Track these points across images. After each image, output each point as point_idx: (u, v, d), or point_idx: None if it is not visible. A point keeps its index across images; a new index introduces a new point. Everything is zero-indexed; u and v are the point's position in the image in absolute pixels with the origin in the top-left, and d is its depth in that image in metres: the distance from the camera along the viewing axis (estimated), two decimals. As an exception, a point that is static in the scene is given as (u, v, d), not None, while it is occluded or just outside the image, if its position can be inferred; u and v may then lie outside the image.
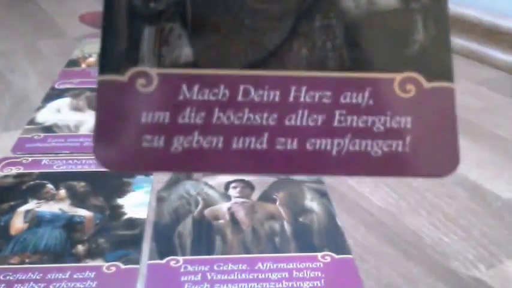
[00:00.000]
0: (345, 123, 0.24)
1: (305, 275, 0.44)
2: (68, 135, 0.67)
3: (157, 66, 0.24)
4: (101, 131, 0.24)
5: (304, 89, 0.24)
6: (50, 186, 0.56)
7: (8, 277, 0.44)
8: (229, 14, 0.24)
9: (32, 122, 0.70)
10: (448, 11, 0.24)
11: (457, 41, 1.00)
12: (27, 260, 0.46)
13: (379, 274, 0.46)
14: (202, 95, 0.24)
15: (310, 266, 0.45)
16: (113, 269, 0.45)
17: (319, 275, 0.44)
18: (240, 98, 0.24)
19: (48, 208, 0.53)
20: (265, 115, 0.24)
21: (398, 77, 0.24)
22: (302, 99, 0.24)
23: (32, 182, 0.57)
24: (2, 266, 0.45)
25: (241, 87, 0.24)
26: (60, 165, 0.60)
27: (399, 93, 0.24)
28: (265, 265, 0.45)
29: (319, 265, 0.46)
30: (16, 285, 0.43)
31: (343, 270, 0.45)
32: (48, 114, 0.72)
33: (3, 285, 0.43)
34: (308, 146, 0.24)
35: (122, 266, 0.45)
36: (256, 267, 0.45)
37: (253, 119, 0.24)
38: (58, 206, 0.53)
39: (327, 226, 0.51)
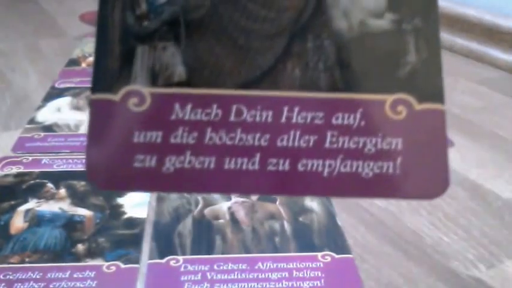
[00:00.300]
0: (336, 144, 0.24)
1: (305, 274, 0.44)
2: (68, 135, 0.67)
3: (150, 85, 0.24)
4: (93, 151, 0.24)
5: (296, 109, 0.24)
6: (50, 185, 0.56)
7: (8, 276, 0.44)
8: (222, 33, 0.24)
9: (32, 121, 0.70)
10: (440, 33, 0.24)
11: (457, 41, 1.00)
12: (27, 260, 0.46)
13: (379, 274, 0.46)
14: (195, 115, 0.24)
15: (310, 265, 0.45)
16: (113, 268, 0.45)
17: (319, 274, 0.44)
18: (232, 118, 0.24)
19: (48, 207, 0.53)
20: (257, 135, 0.24)
21: (389, 98, 0.24)
22: (294, 120, 0.24)
23: (32, 181, 0.57)
24: (2, 265, 0.45)
25: (234, 108, 0.24)
26: (60, 165, 0.60)
27: (390, 115, 0.24)
28: (265, 265, 0.45)
29: (319, 265, 0.45)
30: (16, 284, 0.43)
31: (343, 270, 0.45)
32: (48, 114, 0.72)
33: (3, 284, 0.43)
34: (300, 167, 0.24)
35: (122, 266, 0.45)
36: (256, 267, 0.45)
37: (245, 139, 0.24)
38: (58, 205, 0.53)
39: (327, 226, 0.51)
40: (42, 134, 0.67)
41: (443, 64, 0.24)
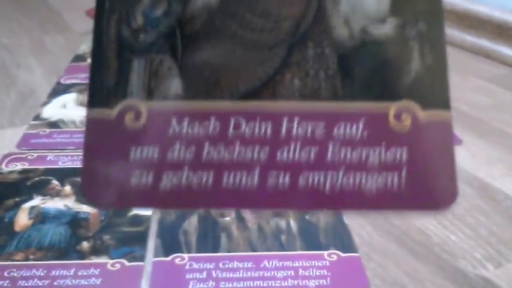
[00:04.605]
0: (338, 156, 0.23)
1: (311, 273, 0.44)
2: (74, 131, 0.67)
3: (146, 99, 0.24)
4: (89, 170, 0.23)
5: (296, 121, 0.24)
6: (55, 182, 0.56)
7: (12, 273, 0.44)
8: (220, 45, 0.24)
9: (37, 117, 0.70)
10: (445, 38, 0.24)
11: (467, 38, 0.99)
12: (31, 257, 0.46)
13: (386, 273, 0.45)
14: (192, 129, 0.23)
15: (316, 264, 0.45)
16: (118, 266, 0.45)
17: (325, 273, 0.44)
18: (231, 131, 0.24)
19: (53, 204, 0.52)
20: (256, 149, 0.23)
21: (393, 106, 0.24)
22: (294, 131, 0.24)
23: (37, 178, 0.57)
24: (6, 262, 0.45)
25: (232, 121, 0.24)
26: (65, 161, 0.60)
27: (394, 125, 0.24)
28: (271, 263, 0.45)
29: (325, 263, 0.45)
30: (20, 281, 0.43)
31: (349, 268, 0.45)
32: (53, 110, 0.72)
33: (7, 281, 0.43)
34: (301, 182, 0.23)
35: (127, 263, 0.45)
36: (262, 265, 0.45)
37: (244, 153, 0.23)
38: (63, 202, 0.53)
39: (334, 224, 0.50)
40: (48, 130, 0.67)
41: (449, 69, 0.24)
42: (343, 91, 0.23)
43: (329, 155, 0.23)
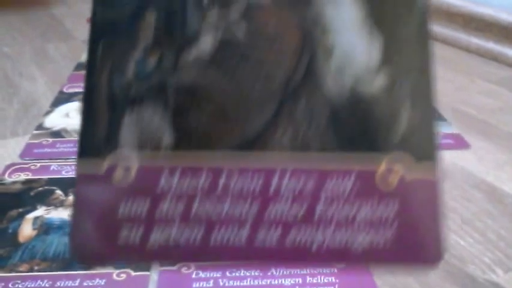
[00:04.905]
0: (327, 214, 0.24)
1: (319, 280, 0.44)
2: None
3: (137, 150, 0.24)
4: (78, 229, 0.23)
5: (287, 175, 0.24)
6: (58, 192, 0.56)
7: (17, 285, 0.43)
8: (211, 97, 0.24)
9: (40, 127, 0.70)
10: (434, 92, 0.24)
11: (473, 40, 0.99)
12: (36, 268, 0.45)
13: (395, 279, 0.45)
14: (183, 183, 0.23)
15: (324, 271, 0.45)
16: (123, 276, 0.44)
17: (333, 280, 0.44)
18: (220, 187, 0.24)
19: (57, 214, 0.52)
20: (247, 204, 0.23)
21: (382, 161, 0.24)
22: (285, 186, 0.24)
23: (40, 188, 0.57)
24: (11, 273, 0.45)
25: (224, 174, 0.24)
26: (69, 171, 0.60)
27: (382, 183, 0.24)
28: (278, 271, 0.45)
29: (333, 270, 0.45)
30: (25, 293, 0.43)
31: (357, 275, 0.45)
32: (56, 119, 0.72)
33: (12, 293, 0.43)
34: (288, 240, 0.23)
35: (133, 273, 0.44)
36: (269, 273, 0.44)
37: (234, 208, 0.23)
38: (67, 212, 0.52)
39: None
40: (51, 139, 0.67)
41: (437, 123, 0.24)
42: (334, 145, 0.24)
43: (318, 211, 0.23)
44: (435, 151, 0.24)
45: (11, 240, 0.49)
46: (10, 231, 0.50)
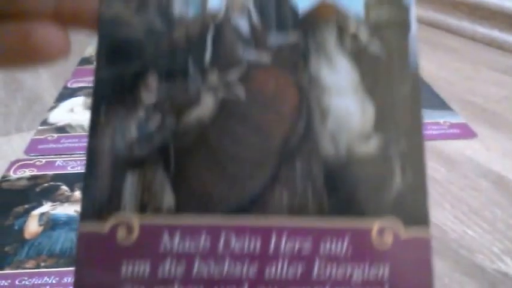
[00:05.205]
0: (324, 274, 0.24)
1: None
2: (82, 135, 0.67)
3: (139, 212, 0.24)
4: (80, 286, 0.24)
5: (284, 237, 0.24)
6: (64, 188, 0.56)
7: (23, 282, 0.43)
8: (212, 160, 0.24)
9: (44, 122, 0.70)
10: (425, 157, 0.25)
11: (478, 29, 0.99)
12: (42, 264, 0.45)
13: None
14: (183, 246, 0.24)
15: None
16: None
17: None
18: (221, 248, 0.24)
19: (63, 210, 0.52)
20: (245, 266, 0.24)
21: (376, 223, 0.24)
22: (283, 247, 0.24)
23: (46, 184, 0.56)
24: (17, 270, 0.45)
25: (223, 237, 0.24)
26: (74, 166, 0.60)
27: (377, 241, 0.24)
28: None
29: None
30: (32, 290, 0.43)
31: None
32: (61, 114, 0.72)
33: (19, 290, 0.43)
34: None
35: (139, 268, 0.44)
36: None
37: (234, 269, 0.24)
38: (73, 208, 0.52)
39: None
40: (56, 135, 0.67)
41: (428, 188, 0.25)
42: (330, 207, 0.24)
43: (315, 271, 0.24)
44: (426, 215, 0.24)
45: (17, 236, 0.48)
46: (16, 227, 0.50)
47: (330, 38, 0.26)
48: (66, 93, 0.78)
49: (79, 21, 0.26)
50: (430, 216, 0.24)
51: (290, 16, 0.26)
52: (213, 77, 0.25)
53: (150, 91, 0.25)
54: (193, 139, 0.25)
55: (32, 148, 0.64)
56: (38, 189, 0.56)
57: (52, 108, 0.74)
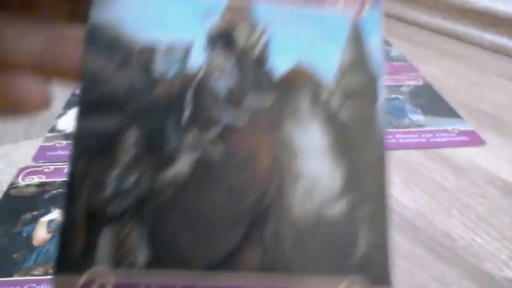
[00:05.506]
0: None
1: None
2: (90, 142, 0.67)
3: (114, 267, 0.24)
4: None
5: None
6: (72, 194, 0.56)
7: (32, 289, 0.43)
8: (185, 219, 0.25)
9: (53, 129, 0.70)
10: (390, 219, 0.26)
11: (486, 36, 0.99)
12: (51, 271, 0.45)
13: (411, 277, 0.45)
14: None
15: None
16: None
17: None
18: None
19: (71, 217, 0.52)
20: None
21: (343, 283, 0.25)
22: None
23: (54, 191, 0.57)
24: (26, 277, 0.45)
25: None
26: (82, 173, 0.60)
27: None
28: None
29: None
30: (40, 297, 0.43)
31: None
32: (69, 121, 0.72)
33: (27, 297, 0.43)
34: None
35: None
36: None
37: None
38: (81, 214, 0.52)
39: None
40: (64, 142, 0.67)
41: (392, 248, 0.26)
42: (298, 266, 0.25)
43: None
44: (389, 275, 0.25)
45: (26, 243, 0.49)
46: (24, 234, 0.50)
47: (304, 103, 0.27)
48: (74, 101, 0.78)
49: (62, 74, 0.26)
50: (391, 278, 0.25)
51: (267, 79, 0.27)
52: (190, 137, 0.26)
53: (128, 148, 0.25)
54: (169, 198, 0.25)
55: (41, 155, 0.64)
56: (46, 196, 0.56)
57: (60, 115, 0.74)
